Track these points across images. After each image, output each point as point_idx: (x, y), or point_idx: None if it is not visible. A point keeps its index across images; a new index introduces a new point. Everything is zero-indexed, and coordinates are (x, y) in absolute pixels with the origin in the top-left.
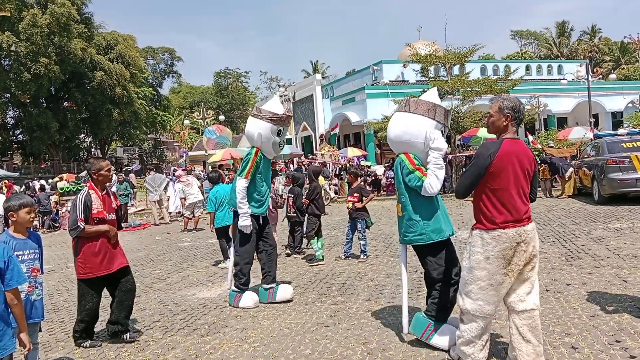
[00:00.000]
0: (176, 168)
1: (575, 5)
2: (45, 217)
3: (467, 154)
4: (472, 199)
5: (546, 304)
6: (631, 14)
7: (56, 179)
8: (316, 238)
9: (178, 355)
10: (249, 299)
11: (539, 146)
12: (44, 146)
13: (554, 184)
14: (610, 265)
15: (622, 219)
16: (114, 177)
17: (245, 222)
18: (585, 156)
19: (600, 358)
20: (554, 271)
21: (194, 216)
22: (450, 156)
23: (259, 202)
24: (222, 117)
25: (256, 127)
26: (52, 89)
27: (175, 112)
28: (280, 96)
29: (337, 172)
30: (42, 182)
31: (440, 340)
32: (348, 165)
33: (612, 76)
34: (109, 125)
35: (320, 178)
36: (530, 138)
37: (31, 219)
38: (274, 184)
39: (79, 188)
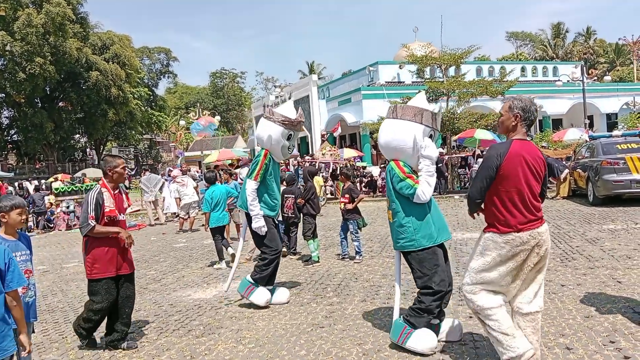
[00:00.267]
0: (171, 168)
1: (570, 7)
2: (39, 218)
3: (463, 155)
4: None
5: None
6: (626, 15)
7: (51, 179)
8: (312, 239)
9: (173, 356)
10: (262, 295)
11: None
12: (38, 146)
13: (548, 185)
14: (605, 266)
15: (617, 220)
16: None
17: (258, 224)
18: (580, 157)
19: (594, 359)
20: (549, 272)
21: (189, 217)
22: (446, 157)
23: (271, 204)
24: (217, 118)
25: (267, 129)
26: (47, 89)
27: (171, 113)
28: (276, 97)
29: (333, 173)
30: (35, 182)
31: (415, 343)
32: (348, 165)
33: (607, 78)
34: (104, 125)
35: (319, 179)
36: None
37: (22, 221)
38: None
39: (74, 189)
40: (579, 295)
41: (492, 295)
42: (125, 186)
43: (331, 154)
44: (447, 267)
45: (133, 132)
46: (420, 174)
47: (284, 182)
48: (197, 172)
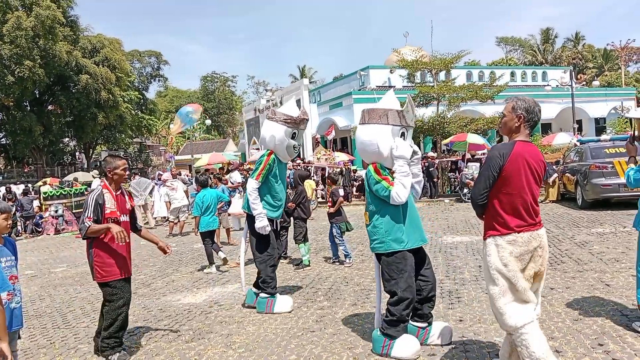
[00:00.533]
0: (161, 172)
1: (560, 12)
2: (27, 222)
3: (453, 159)
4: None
5: None
6: (614, 21)
7: (40, 183)
8: (303, 243)
9: None
10: (284, 303)
11: None
12: (27, 150)
13: None
14: (594, 269)
15: (605, 223)
16: (97, 181)
17: (261, 223)
18: (569, 161)
19: None
20: None
21: (179, 221)
22: (437, 161)
23: (274, 205)
24: (208, 122)
25: (270, 129)
26: (37, 92)
27: (162, 116)
28: (267, 101)
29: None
30: (22, 186)
31: (398, 352)
32: (344, 169)
33: (596, 83)
34: (93, 129)
35: (311, 182)
36: None
37: (8, 226)
38: None
39: (63, 192)
40: (567, 299)
41: (522, 312)
42: None
43: (326, 158)
44: (429, 272)
45: (123, 136)
46: (395, 175)
47: None
48: (188, 175)
